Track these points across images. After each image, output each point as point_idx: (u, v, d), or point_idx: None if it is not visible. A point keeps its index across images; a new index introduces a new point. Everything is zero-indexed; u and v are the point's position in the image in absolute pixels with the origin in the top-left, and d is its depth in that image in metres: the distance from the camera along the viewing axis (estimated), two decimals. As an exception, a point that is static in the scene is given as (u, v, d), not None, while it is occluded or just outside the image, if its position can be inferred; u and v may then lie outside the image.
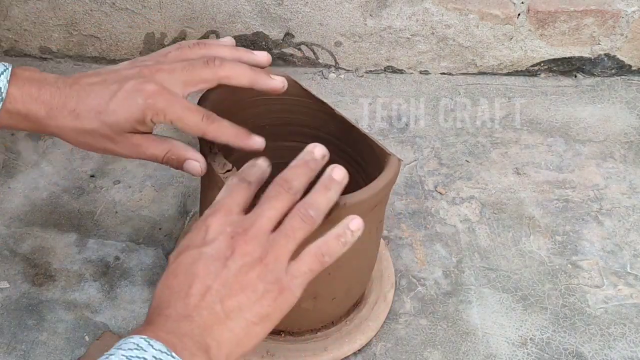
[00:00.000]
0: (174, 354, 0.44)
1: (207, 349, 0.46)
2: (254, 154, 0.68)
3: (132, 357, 0.43)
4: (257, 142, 0.63)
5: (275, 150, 0.76)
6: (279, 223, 0.52)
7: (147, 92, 0.59)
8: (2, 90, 0.58)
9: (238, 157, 0.64)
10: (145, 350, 0.43)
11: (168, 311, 0.47)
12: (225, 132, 0.61)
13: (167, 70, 0.61)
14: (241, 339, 0.48)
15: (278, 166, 0.78)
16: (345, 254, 0.62)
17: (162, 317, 0.47)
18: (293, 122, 0.73)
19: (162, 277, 0.51)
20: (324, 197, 0.54)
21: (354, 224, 0.54)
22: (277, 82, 0.65)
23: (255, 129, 0.63)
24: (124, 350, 0.43)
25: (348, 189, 0.71)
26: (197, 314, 0.47)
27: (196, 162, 0.62)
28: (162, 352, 0.44)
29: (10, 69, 0.59)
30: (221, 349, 0.47)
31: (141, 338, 0.44)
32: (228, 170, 0.61)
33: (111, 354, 0.43)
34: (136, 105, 0.59)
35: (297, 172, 0.55)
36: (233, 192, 0.54)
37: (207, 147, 0.63)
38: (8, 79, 0.58)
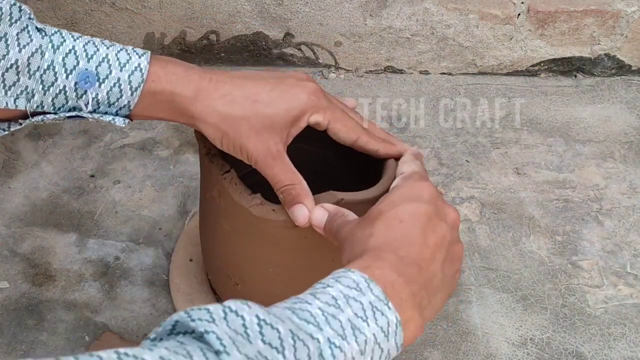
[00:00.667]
0: (390, 304, 0.42)
1: (421, 308, 0.46)
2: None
3: (349, 296, 0.41)
4: (406, 148, 0.62)
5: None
6: None
7: (310, 89, 0.57)
8: (143, 71, 0.55)
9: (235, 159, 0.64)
10: (363, 294, 0.42)
11: (401, 252, 0.46)
12: (376, 139, 0.60)
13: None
14: (440, 307, 0.49)
15: None
16: None
17: (395, 255, 0.46)
18: None
19: (373, 215, 0.50)
20: None
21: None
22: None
23: None
24: (343, 286, 0.42)
25: (348, 189, 0.72)
26: (426, 268, 0.47)
27: (307, 211, 0.57)
28: (379, 299, 0.42)
29: (149, 53, 0.56)
30: (428, 313, 0.47)
31: (362, 277, 0.43)
32: (227, 172, 0.61)
33: (329, 285, 0.42)
34: (298, 100, 0.57)
35: None
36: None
37: (205, 148, 0.63)
38: (149, 60, 0.55)
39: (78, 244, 0.83)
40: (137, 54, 0.55)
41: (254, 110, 0.56)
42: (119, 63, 0.55)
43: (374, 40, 1.08)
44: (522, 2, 1.05)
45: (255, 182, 0.63)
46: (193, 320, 0.35)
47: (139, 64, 0.55)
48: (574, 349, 0.76)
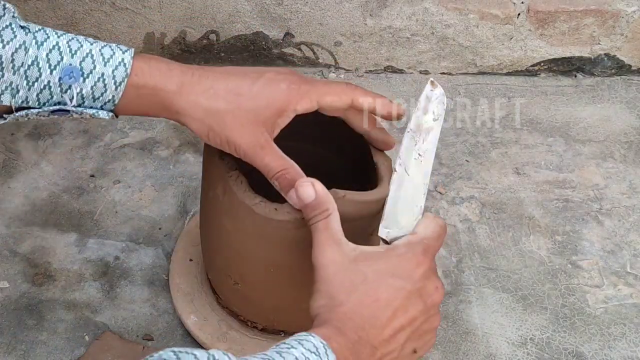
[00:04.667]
0: None
1: None
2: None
3: (309, 359, 0.45)
4: (402, 111, 0.62)
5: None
6: None
7: (289, 80, 0.58)
8: (126, 66, 0.55)
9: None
10: (321, 358, 0.45)
11: (362, 332, 0.49)
12: (370, 94, 0.61)
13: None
14: None
15: None
16: None
17: (353, 332, 0.48)
18: (290, 121, 0.73)
19: (357, 279, 0.51)
20: None
21: None
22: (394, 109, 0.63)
23: None
24: (304, 349, 0.46)
25: (350, 188, 0.72)
26: (382, 348, 0.49)
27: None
28: None
29: (133, 49, 0.57)
30: None
31: (321, 342, 0.46)
32: (233, 170, 0.61)
33: (293, 347, 0.46)
34: (280, 92, 0.57)
35: None
36: (435, 244, 0.55)
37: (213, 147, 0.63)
38: (132, 55, 0.56)
39: (78, 244, 0.83)
40: (120, 49, 0.56)
41: (237, 103, 0.57)
42: (103, 58, 0.55)
43: (374, 40, 1.08)
44: (522, 2, 1.05)
45: (253, 182, 0.63)
46: None
47: (123, 59, 0.55)
48: (574, 349, 0.76)
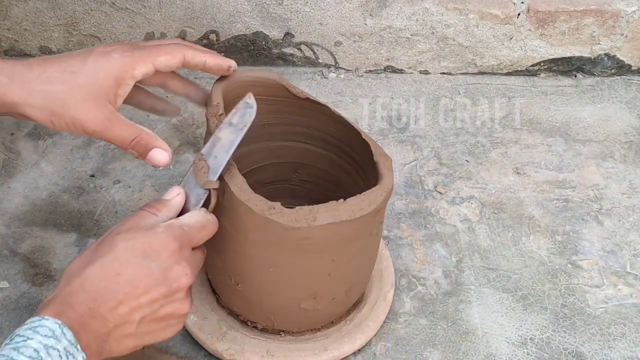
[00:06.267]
0: (79, 347, 0.46)
1: (101, 352, 0.49)
2: (253, 151, 0.68)
3: (48, 346, 0.44)
4: (232, 63, 0.64)
5: (274, 150, 0.76)
6: None
7: (121, 49, 0.58)
8: None
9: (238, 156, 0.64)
10: (59, 340, 0.45)
11: (93, 304, 0.48)
12: (201, 52, 0.62)
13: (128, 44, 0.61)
14: (124, 351, 0.52)
15: (276, 165, 0.78)
16: (346, 254, 0.62)
17: (84, 304, 0.48)
18: (290, 122, 0.74)
19: (105, 250, 0.51)
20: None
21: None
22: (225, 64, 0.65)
23: (253, 129, 0.63)
24: (42, 336, 0.44)
25: (348, 188, 0.72)
26: (116, 322, 0.49)
27: (164, 152, 0.59)
28: (71, 344, 0.45)
29: None
30: (109, 356, 0.50)
31: (56, 323, 0.45)
32: (232, 169, 0.61)
33: (29, 338, 0.44)
34: (113, 60, 0.57)
35: None
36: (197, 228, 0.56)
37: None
38: None
39: (78, 244, 0.83)
40: None
41: (74, 81, 0.56)
42: None
43: (374, 40, 1.08)
44: (522, 2, 1.05)
45: (253, 182, 0.63)
46: None
47: None
48: (574, 349, 0.76)
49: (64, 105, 0.56)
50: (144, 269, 0.51)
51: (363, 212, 0.60)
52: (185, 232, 0.55)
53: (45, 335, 0.44)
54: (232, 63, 0.65)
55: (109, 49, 0.59)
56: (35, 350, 0.43)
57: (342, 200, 0.59)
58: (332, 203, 0.59)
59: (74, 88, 0.56)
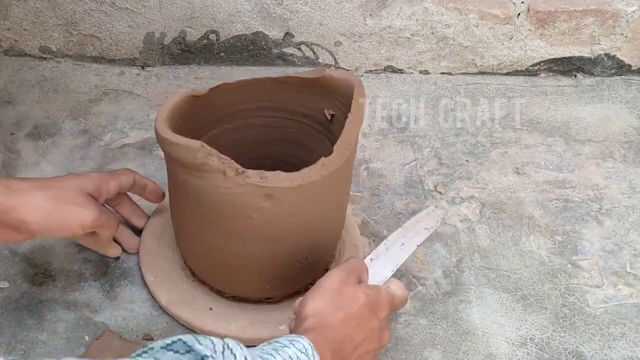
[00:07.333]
0: None
1: None
2: (239, 148, 0.76)
3: (300, 358, 0.53)
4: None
5: (249, 128, 0.79)
6: None
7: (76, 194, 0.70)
8: None
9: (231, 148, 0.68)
10: (309, 358, 0.53)
11: (339, 345, 0.58)
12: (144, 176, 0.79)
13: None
14: None
15: (250, 139, 0.79)
16: (324, 205, 0.68)
17: (335, 343, 0.58)
18: (262, 99, 0.77)
19: (347, 304, 0.60)
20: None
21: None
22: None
23: (233, 113, 0.74)
24: (296, 349, 0.53)
25: (316, 149, 0.76)
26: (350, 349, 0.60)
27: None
28: None
29: None
30: None
31: (310, 345, 0.54)
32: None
33: (286, 346, 0.53)
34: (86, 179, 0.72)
35: None
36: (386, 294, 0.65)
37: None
38: None
39: (78, 244, 0.83)
40: None
41: (53, 191, 0.67)
42: None
43: (373, 40, 1.08)
44: (522, 2, 1.05)
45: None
46: (200, 344, 0.45)
47: None
48: (574, 349, 0.76)
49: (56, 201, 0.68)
50: (371, 323, 0.61)
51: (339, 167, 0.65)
52: (394, 301, 0.65)
53: (299, 350, 0.53)
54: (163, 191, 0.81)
55: (71, 194, 0.69)
56: (290, 357, 0.52)
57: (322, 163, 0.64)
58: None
59: (58, 191, 0.68)
